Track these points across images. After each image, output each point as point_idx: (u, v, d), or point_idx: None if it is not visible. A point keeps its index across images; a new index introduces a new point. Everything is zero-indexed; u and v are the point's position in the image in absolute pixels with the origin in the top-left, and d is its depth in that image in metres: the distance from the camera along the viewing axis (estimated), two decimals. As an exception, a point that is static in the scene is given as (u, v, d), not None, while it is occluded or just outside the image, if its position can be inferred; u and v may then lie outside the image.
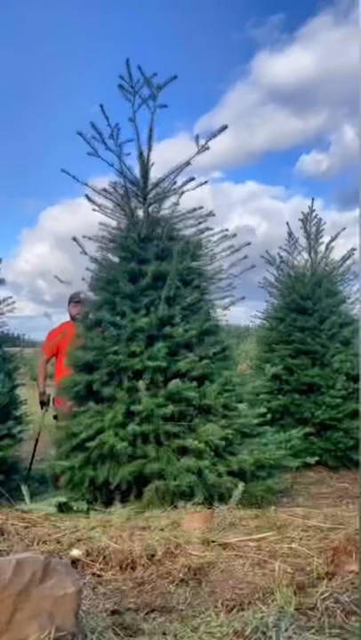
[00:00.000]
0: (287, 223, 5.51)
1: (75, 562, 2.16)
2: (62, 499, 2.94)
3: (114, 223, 3.84)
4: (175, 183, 3.76)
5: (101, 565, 2.15)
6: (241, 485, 2.90)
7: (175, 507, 2.94)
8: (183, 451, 3.15)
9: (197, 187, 3.75)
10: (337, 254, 5.36)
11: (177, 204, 3.78)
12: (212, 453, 3.14)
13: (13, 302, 4.35)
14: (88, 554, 2.21)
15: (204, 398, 3.28)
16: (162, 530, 2.46)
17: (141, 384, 3.23)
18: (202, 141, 3.56)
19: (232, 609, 1.71)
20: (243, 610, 1.68)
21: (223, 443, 3.20)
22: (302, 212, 5.42)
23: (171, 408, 3.16)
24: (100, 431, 3.20)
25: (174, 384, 3.22)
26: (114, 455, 3.14)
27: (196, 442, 3.09)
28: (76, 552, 2.21)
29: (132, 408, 3.19)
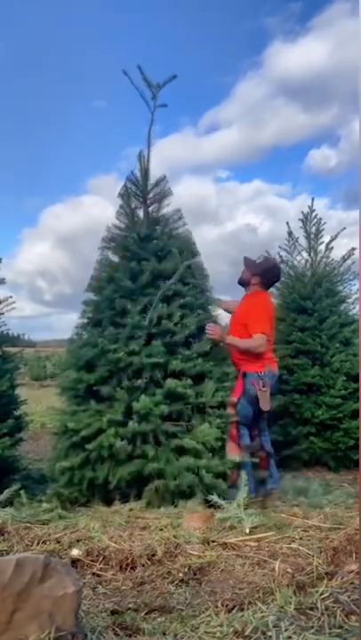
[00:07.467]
0: (287, 223, 5.52)
1: (75, 562, 2.16)
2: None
3: (115, 222, 3.85)
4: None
5: (101, 565, 2.15)
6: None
7: (175, 506, 2.94)
8: (182, 450, 3.15)
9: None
10: (337, 254, 5.36)
11: (178, 209, 3.80)
12: (210, 454, 3.13)
13: (13, 302, 4.37)
14: (88, 554, 2.21)
15: (201, 396, 3.29)
16: (162, 530, 2.46)
17: (140, 382, 3.23)
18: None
19: (232, 609, 1.70)
20: (243, 610, 1.68)
21: (219, 443, 3.20)
22: (302, 212, 5.43)
23: (168, 406, 3.16)
24: (99, 430, 3.20)
25: (171, 381, 3.22)
26: (113, 455, 3.15)
27: (193, 442, 3.09)
28: (76, 552, 2.21)
29: (132, 405, 3.19)
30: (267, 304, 3.83)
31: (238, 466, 3.23)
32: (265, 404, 3.54)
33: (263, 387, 3.55)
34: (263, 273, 3.87)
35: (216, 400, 3.32)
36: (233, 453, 3.32)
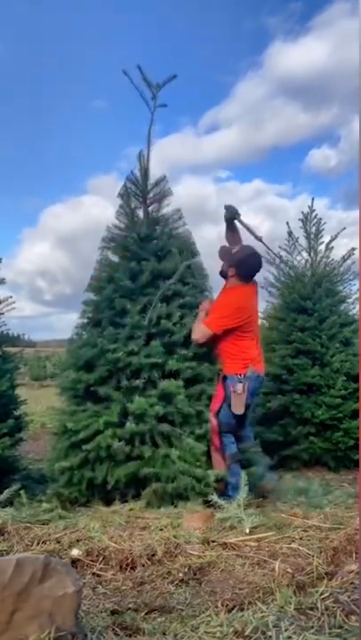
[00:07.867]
0: (287, 223, 5.51)
1: (75, 562, 2.16)
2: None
3: (115, 222, 3.85)
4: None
5: (101, 565, 2.15)
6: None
7: (175, 506, 2.94)
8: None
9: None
10: (337, 254, 5.35)
11: (178, 209, 3.80)
12: (197, 463, 3.12)
13: (13, 302, 4.37)
14: (88, 554, 2.21)
15: (192, 399, 3.28)
16: (162, 530, 2.46)
17: (138, 383, 3.23)
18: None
19: (232, 609, 1.70)
20: (243, 610, 1.68)
21: (204, 458, 3.17)
22: (302, 212, 5.42)
23: (162, 408, 3.15)
24: (97, 431, 3.20)
25: (166, 382, 3.22)
26: (111, 455, 3.14)
27: (177, 452, 3.09)
28: (76, 552, 2.21)
29: (126, 406, 3.19)
30: (231, 301, 3.46)
31: (224, 478, 3.14)
32: (237, 408, 3.26)
33: (240, 389, 3.29)
34: (238, 264, 3.50)
35: (203, 404, 3.31)
36: (219, 467, 3.18)
